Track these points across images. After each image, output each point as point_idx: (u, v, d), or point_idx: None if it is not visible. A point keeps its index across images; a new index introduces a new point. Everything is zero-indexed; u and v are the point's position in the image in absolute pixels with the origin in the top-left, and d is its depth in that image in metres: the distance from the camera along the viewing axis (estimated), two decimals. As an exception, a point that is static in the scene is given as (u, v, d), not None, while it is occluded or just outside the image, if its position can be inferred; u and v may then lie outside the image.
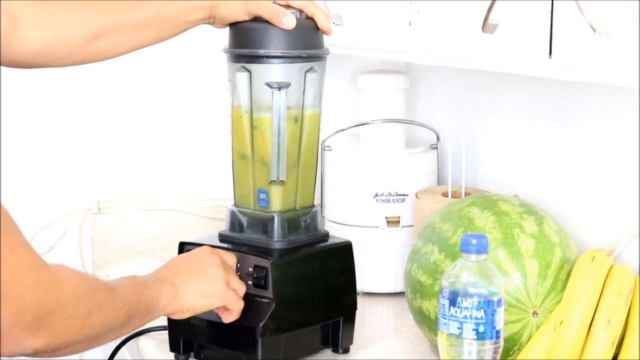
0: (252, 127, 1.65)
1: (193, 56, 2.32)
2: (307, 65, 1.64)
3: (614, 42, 1.31)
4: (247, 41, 1.62)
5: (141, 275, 1.51)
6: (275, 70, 1.62)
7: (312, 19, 1.63)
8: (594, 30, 1.32)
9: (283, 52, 1.61)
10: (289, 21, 1.59)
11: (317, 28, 1.64)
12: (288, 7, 1.61)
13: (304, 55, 1.63)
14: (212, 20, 1.64)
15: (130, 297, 1.41)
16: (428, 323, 1.67)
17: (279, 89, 1.62)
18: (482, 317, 1.39)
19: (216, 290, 1.56)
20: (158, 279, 1.52)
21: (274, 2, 1.61)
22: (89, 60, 1.65)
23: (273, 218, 1.64)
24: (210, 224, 2.35)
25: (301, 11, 1.62)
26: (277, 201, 1.66)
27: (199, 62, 2.33)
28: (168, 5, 1.63)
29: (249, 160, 1.66)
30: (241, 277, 1.63)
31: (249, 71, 1.63)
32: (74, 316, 1.27)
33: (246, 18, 1.62)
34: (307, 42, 1.63)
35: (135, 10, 1.63)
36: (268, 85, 1.62)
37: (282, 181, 1.65)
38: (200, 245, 1.67)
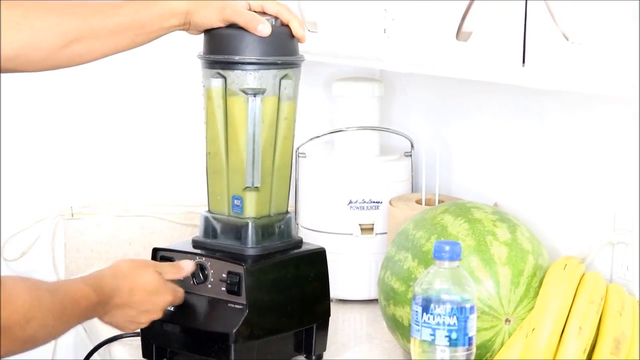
0: (227, 133, 1.65)
1: (167, 62, 2.32)
2: (282, 72, 1.64)
3: (587, 50, 1.32)
4: (222, 47, 1.62)
5: (90, 285, 1.49)
6: (250, 77, 1.62)
7: (287, 25, 1.64)
8: (567, 39, 1.33)
9: (258, 59, 1.61)
10: (264, 28, 1.60)
11: (292, 35, 1.64)
12: (263, 13, 1.62)
13: (279, 62, 1.63)
14: (187, 26, 1.64)
15: (75, 315, 1.42)
16: (401, 330, 1.67)
17: (254, 95, 1.62)
18: (454, 323, 1.39)
19: (142, 322, 1.60)
20: (101, 302, 1.50)
21: (249, 9, 1.61)
22: (63, 65, 1.65)
23: (247, 224, 1.64)
24: (184, 230, 2.35)
25: (276, 18, 1.62)
26: (251, 207, 1.66)
27: (174, 68, 2.33)
28: (143, 11, 1.63)
29: (224, 166, 1.66)
30: (213, 284, 1.62)
31: (224, 77, 1.63)
32: (20, 337, 1.27)
33: (221, 25, 1.62)
34: (282, 48, 1.63)
35: (110, 15, 1.62)
36: (243, 91, 1.62)
37: (256, 187, 1.65)
38: (174, 251, 1.67)
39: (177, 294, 1.62)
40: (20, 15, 1.58)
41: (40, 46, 1.59)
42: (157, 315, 1.59)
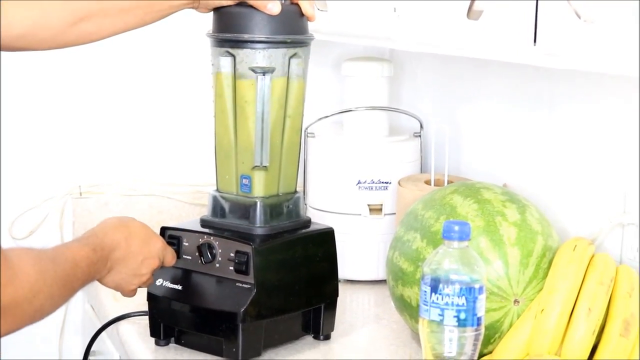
0: (236, 112, 1.64)
1: (176, 41, 2.31)
2: (292, 51, 1.63)
3: (599, 29, 1.31)
4: (231, 26, 1.62)
5: (88, 245, 1.49)
6: (259, 55, 1.61)
7: (296, 4, 1.63)
8: (579, 17, 1.32)
9: (267, 37, 1.60)
10: (274, 6, 1.59)
11: (302, 14, 1.63)
12: None
13: (288, 41, 1.62)
14: (196, 4, 1.63)
15: (78, 280, 1.41)
16: (409, 310, 1.67)
17: (263, 74, 1.61)
18: (463, 304, 1.39)
19: (144, 274, 1.59)
20: (102, 258, 1.50)
21: None
22: (71, 43, 1.64)
23: (255, 203, 1.64)
24: (192, 210, 2.35)
25: None
26: (259, 187, 1.65)
27: (182, 47, 2.32)
28: None
29: (232, 145, 1.65)
30: (221, 263, 1.62)
31: (233, 56, 1.62)
32: (27, 311, 1.27)
33: (231, 3, 1.61)
34: (291, 27, 1.63)
35: None
36: (252, 70, 1.61)
37: (265, 167, 1.64)
38: (182, 230, 1.67)
39: (167, 246, 1.63)
40: None
41: (49, 24, 1.59)
42: (155, 263, 1.59)
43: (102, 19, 1.61)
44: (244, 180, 1.66)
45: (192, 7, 1.64)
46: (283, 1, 1.60)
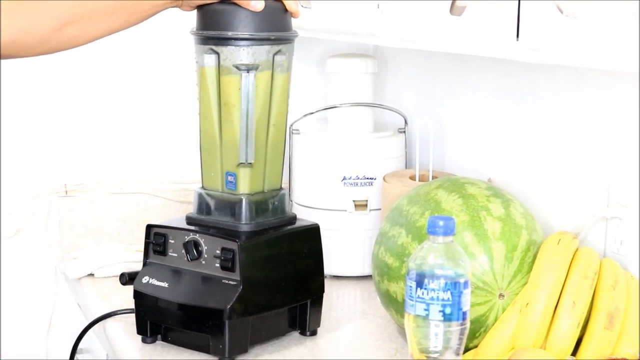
0: (220, 109, 1.64)
1: (160, 39, 2.30)
2: (276, 47, 1.63)
3: (580, 24, 1.31)
4: (215, 23, 1.61)
5: None
6: (243, 52, 1.61)
7: (280, 1, 1.62)
8: (561, 12, 1.32)
9: (251, 35, 1.60)
10: (257, 4, 1.59)
11: (286, 10, 1.63)
12: None
13: (272, 38, 1.62)
14: (179, 3, 1.63)
15: None
16: (395, 305, 1.67)
17: (247, 70, 1.61)
18: (448, 298, 1.39)
19: None
20: None
21: None
22: (58, 48, 1.64)
23: (241, 200, 1.64)
24: (178, 207, 2.34)
25: None
26: (245, 184, 1.65)
27: (166, 44, 2.31)
28: None
29: (217, 142, 1.65)
30: (207, 260, 1.62)
31: (217, 53, 1.62)
32: None
33: (215, 0, 1.61)
34: (275, 24, 1.63)
35: None
36: (236, 67, 1.61)
37: (250, 164, 1.64)
38: (168, 227, 1.67)
39: None
40: (15, 1, 1.57)
41: (35, 30, 1.58)
42: None
43: (87, 23, 1.61)
44: (229, 178, 1.66)
45: (176, 6, 1.64)
46: None
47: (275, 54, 1.63)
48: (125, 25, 1.63)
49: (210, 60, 1.63)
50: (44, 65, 2.25)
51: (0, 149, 2.28)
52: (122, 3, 1.61)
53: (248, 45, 1.61)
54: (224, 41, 1.61)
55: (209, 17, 1.62)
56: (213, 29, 1.61)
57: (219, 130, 1.65)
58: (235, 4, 1.59)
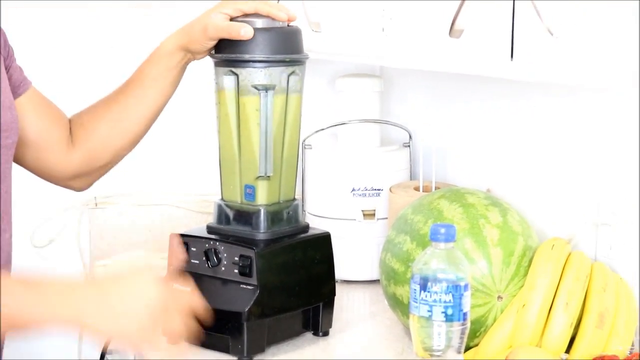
0: (239, 126, 1.64)
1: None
2: (290, 69, 1.64)
3: (569, 44, 1.32)
4: (234, 47, 1.62)
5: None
6: (260, 74, 1.61)
7: (293, 26, 1.64)
8: (551, 34, 1.33)
9: (268, 57, 1.61)
10: (246, 32, 1.59)
11: (299, 34, 1.64)
12: (246, 15, 1.61)
13: (287, 60, 1.63)
14: (191, 56, 1.65)
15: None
16: (401, 307, 1.67)
17: (266, 90, 1.62)
18: (450, 300, 1.39)
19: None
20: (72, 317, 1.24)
21: (231, 19, 1.61)
22: (126, 145, 1.73)
23: (259, 211, 1.64)
24: (199, 217, 2.35)
25: (258, 15, 1.61)
26: (263, 195, 1.65)
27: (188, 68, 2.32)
28: (147, 67, 1.67)
29: (236, 157, 1.66)
30: (226, 266, 1.63)
31: (236, 75, 1.62)
32: None
33: (213, 43, 1.62)
34: (290, 47, 1.64)
35: (128, 88, 1.67)
36: (254, 87, 1.62)
37: (268, 177, 1.64)
38: (190, 236, 1.67)
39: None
40: (77, 120, 1.71)
41: (95, 137, 1.68)
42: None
43: (132, 114, 1.68)
44: (247, 190, 1.66)
45: (191, 59, 1.66)
46: (255, 25, 1.60)
47: (290, 74, 1.64)
48: (163, 97, 1.70)
49: (229, 81, 1.63)
50: (72, 82, 2.26)
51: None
52: (145, 83, 1.66)
53: (265, 67, 1.61)
54: (242, 63, 1.61)
55: (229, 41, 1.62)
56: (232, 52, 1.62)
57: (238, 146, 1.65)
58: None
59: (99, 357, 1.86)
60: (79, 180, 1.72)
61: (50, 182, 1.70)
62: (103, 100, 1.71)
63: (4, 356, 1.49)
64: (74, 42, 2.31)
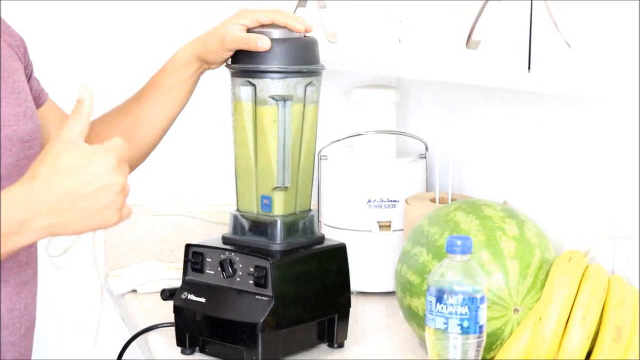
0: (256, 137, 1.64)
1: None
2: (307, 79, 1.64)
3: (586, 56, 1.32)
4: (252, 58, 1.62)
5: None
6: (278, 85, 1.62)
7: (310, 37, 1.64)
8: (569, 46, 1.32)
9: (286, 68, 1.61)
10: (263, 43, 1.60)
11: (315, 45, 1.64)
12: (262, 26, 1.62)
13: (304, 71, 1.63)
14: (207, 66, 1.66)
15: None
16: (417, 319, 1.67)
17: (284, 101, 1.62)
18: (466, 313, 1.39)
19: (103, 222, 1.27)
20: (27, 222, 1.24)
21: (248, 30, 1.61)
22: (141, 154, 1.72)
23: (276, 221, 1.64)
24: (214, 228, 2.35)
25: (276, 25, 1.62)
26: (280, 206, 1.65)
27: (204, 78, 2.33)
28: (161, 76, 1.67)
29: (252, 168, 1.66)
30: (242, 277, 1.63)
31: (254, 85, 1.63)
32: None
33: (230, 54, 1.63)
34: (307, 58, 1.64)
35: (142, 98, 1.68)
36: (272, 98, 1.62)
37: (286, 187, 1.64)
38: (205, 247, 1.68)
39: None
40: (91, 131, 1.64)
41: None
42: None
43: (146, 123, 1.68)
44: (264, 201, 1.66)
45: (206, 69, 1.67)
46: (273, 36, 1.61)
47: (307, 85, 1.64)
48: (177, 107, 1.70)
49: (246, 91, 1.63)
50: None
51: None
52: (160, 92, 1.67)
53: (283, 78, 1.62)
54: (260, 74, 1.61)
55: (246, 52, 1.62)
56: (250, 63, 1.62)
57: (254, 157, 1.65)
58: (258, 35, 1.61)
59: (116, 358, 1.87)
60: None
61: None
62: (117, 109, 1.71)
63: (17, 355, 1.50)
64: (77, 38, 2.31)
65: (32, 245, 1.50)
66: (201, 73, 1.68)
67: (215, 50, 1.62)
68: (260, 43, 1.59)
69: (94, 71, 2.31)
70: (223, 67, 1.67)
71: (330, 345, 1.71)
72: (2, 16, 1.56)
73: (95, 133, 1.67)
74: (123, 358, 1.87)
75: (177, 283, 1.75)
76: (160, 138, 1.72)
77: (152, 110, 1.68)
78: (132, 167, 1.72)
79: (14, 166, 1.43)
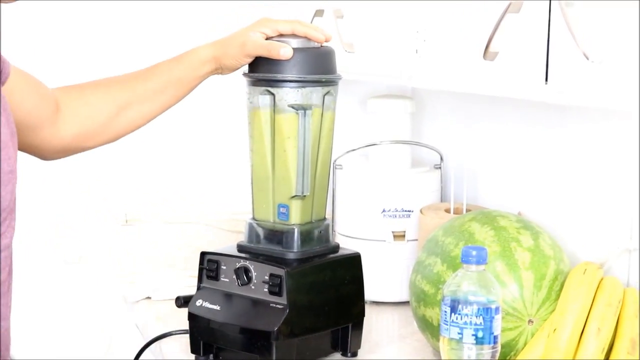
0: (274, 145, 1.65)
1: (214, 82, 2.33)
2: (326, 89, 1.65)
3: (605, 68, 1.32)
4: (271, 66, 1.63)
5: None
6: (297, 94, 1.62)
7: (327, 47, 1.65)
8: (587, 58, 1.33)
9: (305, 77, 1.62)
10: (285, 52, 1.60)
11: (333, 55, 1.65)
12: (281, 35, 1.62)
13: (323, 80, 1.64)
14: (220, 70, 1.66)
15: None
16: (431, 329, 1.67)
17: (304, 110, 1.63)
18: (480, 323, 1.40)
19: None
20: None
21: (267, 38, 1.62)
22: (121, 133, 1.67)
23: (293, 230, 1.65)
24: (229, 236, 2.36)
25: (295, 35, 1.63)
26: (297, 215, 1.66)
27: (220, 83, 2.34)
28: (175, 67, 1.66)
29: (269, 176, 1.66)
30: (257, 285, 1.63)
31: (273, 94, 1.63)
32: None
33: (249, 60, 1.63)
34: (326, 67, 1.65)
35: (148, 79, 1.65)
36: (292, 107, 1.63)
37: (304, 196, 1.65)
38: (220, 255, 1.68)
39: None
40: (77, 93, 1.61)
41: (97, 119, 1.62)
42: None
43: (141, 105, 1.65)
44: (281, 209, 1.67)
45: (217, 73, 1.67)
46: (294, 45, 1.61)
47: (325, 94, 1.65)
48: (177, 99, 1.68)
49: (265, 100, 1.64)
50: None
51: (67, 184, 2.31)
52: (167, 81, 1.65)
53: (302, 87, 1.62)
54: (279, 83, 1.62)
55: (265, 61, 1.63)
56: (269, 72, 1.63)
57: (272, 165, 1.66)
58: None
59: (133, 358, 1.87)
60: (61, 154, 1.64)
61: (35, 156, 1.62)
62: (116, 81, 1.66)
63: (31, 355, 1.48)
64: (72, 35, 2.33)
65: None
66: (210, 75, 1.68)
67: (235, 55, 1.63)
68: (283, 52, 1.60)
69: (93, 71, 2.32)
70: (236, 75, 1.68)
71: (344, 354, 1.72)
72: None
73: (87, 102, 1.60)
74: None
75: (191, 290, 1.76)
76: (141, 126, 1.68)
77: (154, 96, 1.65)
78: (109, 142, 1.67)
79: None
